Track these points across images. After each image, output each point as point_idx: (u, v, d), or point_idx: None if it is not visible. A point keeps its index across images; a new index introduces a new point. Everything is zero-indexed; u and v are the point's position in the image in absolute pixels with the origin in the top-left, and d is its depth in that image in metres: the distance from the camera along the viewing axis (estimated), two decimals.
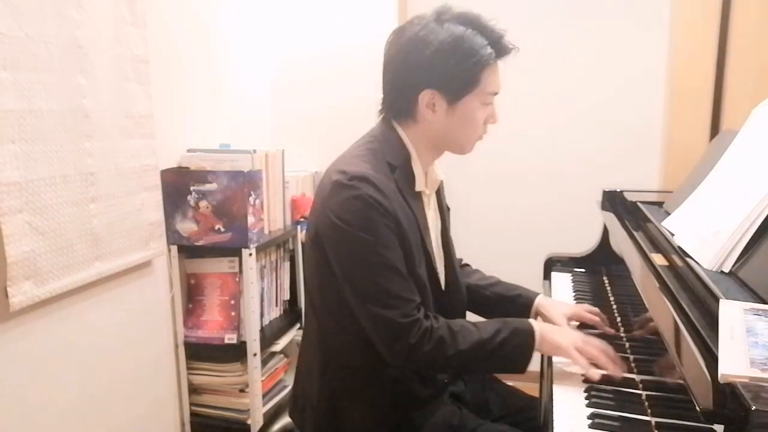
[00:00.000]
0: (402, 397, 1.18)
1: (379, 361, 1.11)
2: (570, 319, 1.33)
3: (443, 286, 1.25)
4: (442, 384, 1.24)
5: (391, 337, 1.07)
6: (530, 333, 1.12)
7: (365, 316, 1.09)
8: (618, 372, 1.08)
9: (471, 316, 1.27)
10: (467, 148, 1.21)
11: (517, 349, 1.11)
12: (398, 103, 1.17)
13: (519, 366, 1.11)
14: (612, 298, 1.48)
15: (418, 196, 1.20)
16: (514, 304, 1.37)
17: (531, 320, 1.17)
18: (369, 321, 1.09)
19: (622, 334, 1.29)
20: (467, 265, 1.49)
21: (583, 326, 1.33)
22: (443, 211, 1.33)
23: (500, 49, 1.13)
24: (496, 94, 1.17)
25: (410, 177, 1.17)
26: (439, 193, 1.33)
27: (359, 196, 1.06)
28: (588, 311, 1.34)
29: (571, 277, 1.69)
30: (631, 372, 1.12)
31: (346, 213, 1.07)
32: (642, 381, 1.08)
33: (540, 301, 1.36)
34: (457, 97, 1.13)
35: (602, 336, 1.23)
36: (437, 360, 1.09)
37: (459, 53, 1.09)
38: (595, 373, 1.07)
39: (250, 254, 1.91)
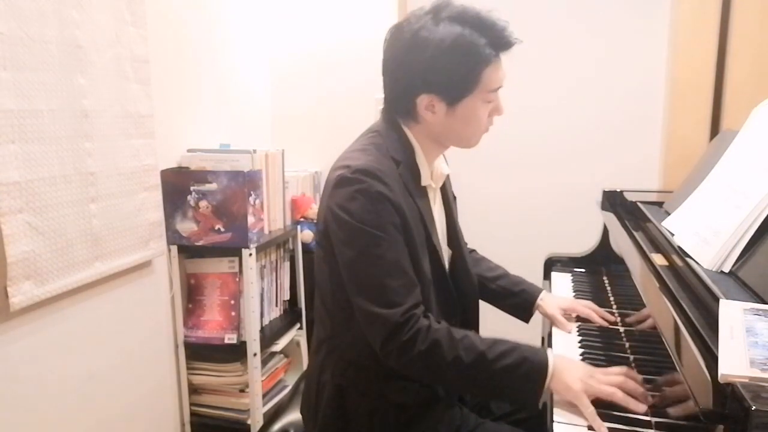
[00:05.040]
0: (409, 396, 1.15)
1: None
2: (565, 311, 1.36)
3: (449, 278, 1.23)
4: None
5: (383, 334, 1.03)
6: (543, 366, 1.01)
7: (361, 312, 1.06)
8: (639, 408, 0.96)
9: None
10: (473, 142, 1.20)
11: (524, 379, 1.02)
12: (398, 103, 1.16)
13: (527, 400, 1.02)
14: (612, 298, 1.48)
15: (424, 191, 1.19)
16: (517, 299, 1.39)
17: (548, 351, 1.04)
18: (364, 317, 1.06)
19: (622, 334, 1.29)
20: (473, 251, 1.48)
21: (582, 319, 1.35)
22: (449, 202, 1.31)
23: (501, 44, 1.10)
24: (499, 89, 1.15)
25: (415, 172, 1.16)
26: (445, 185, 1.32)
27: (364, 190, 1.05)
28: (584, 305, 1.36)
29: (571, 277, 1.69)
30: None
31: (351, 206, 1.05)
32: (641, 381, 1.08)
33: (541, 297, 1.39)
34: (456, 99, 1.11)
35: (605, 334, 1.22)
36: (433, 364, 1.03)
37: (457, 56, 1.06)
38: (601, 426, 0.94)
39: (250, 254, 1.91)
